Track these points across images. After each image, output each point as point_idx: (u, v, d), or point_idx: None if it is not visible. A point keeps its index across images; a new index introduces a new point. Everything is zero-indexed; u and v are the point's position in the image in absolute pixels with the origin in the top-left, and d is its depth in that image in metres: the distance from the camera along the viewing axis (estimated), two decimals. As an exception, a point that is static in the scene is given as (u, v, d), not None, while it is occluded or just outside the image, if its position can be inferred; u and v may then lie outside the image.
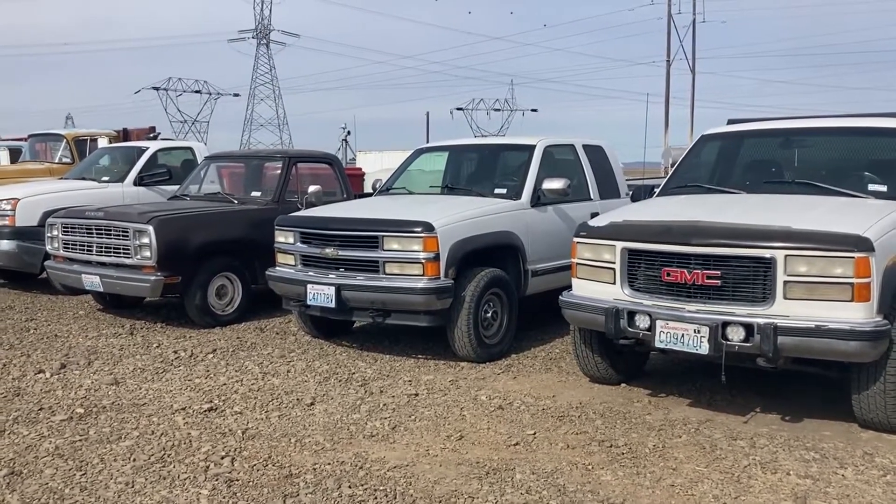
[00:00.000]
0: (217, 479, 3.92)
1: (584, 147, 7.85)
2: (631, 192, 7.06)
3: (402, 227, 6.11)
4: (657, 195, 6.12)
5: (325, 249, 6.42)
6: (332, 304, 6.26)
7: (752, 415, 4.99)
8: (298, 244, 6.66)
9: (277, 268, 6.88)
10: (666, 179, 6.40)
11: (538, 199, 6.95)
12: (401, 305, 6.14)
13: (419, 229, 6.00)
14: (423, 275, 5.99)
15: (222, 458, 4.21)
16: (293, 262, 6.72)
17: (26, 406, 5.15)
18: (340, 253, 6.32)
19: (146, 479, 3.93)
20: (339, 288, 6.21)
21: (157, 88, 66.12)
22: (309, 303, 6.43)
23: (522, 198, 6.91)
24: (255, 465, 4.12)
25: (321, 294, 6.32)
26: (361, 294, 6.17)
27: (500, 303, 6.51)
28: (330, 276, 6.37)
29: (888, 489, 3.82)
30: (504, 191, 7.07)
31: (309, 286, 6.40)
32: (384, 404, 5.18)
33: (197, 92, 68.32)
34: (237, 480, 3.91)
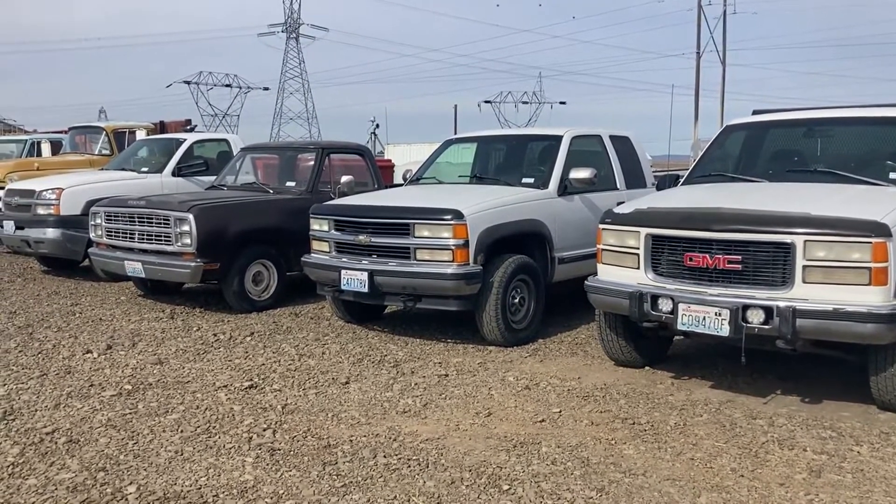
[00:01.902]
0: (260, 449, 4.17)
1: (611, 138, 8.00)
2: (656, 182, 7.21)
3: (432, 214, 6.32)
4: (682, 184, 6.27)
5: (358, 236, 6.65)
6: (365, 290, 6.49)
7: (773, 396, 5.14)
8: (333, 231, 6.90)
9: (312, 254, 7.13)
10: (690, 169, 6.54)
11: (565, 189, 7.13)
12: (431, 290, 6.35)
13: (449, 217, 6.21)
14: (452, 261, 6.19)
15: (264, 430, 4.46)
16: (327, 249, 6.97)
17: (77, 383, 5.45)
18: (373, 240, 6.55)
19: (194, 448, 4.20)
20: (371, 273, 6.44)
21: (188, 82, 67.15)
22: (343, 288, 6.68)
23: (550, 187, 7.09)
24: (295, 436, 4.36)
25: (354, 279, 6.55)
26: (393, 279, 6.40)
27: (528, 289, 6.70)
28: (363, 262, 6.60)
29: (902, 465, 3.96)
30: (532, 180, 7.25)
31: (343, 272, 6.64)
32: (415, 384, 5.41)
33: (227, 86, 69.28)
34: (279, 450, 4.16)
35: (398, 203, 6.80)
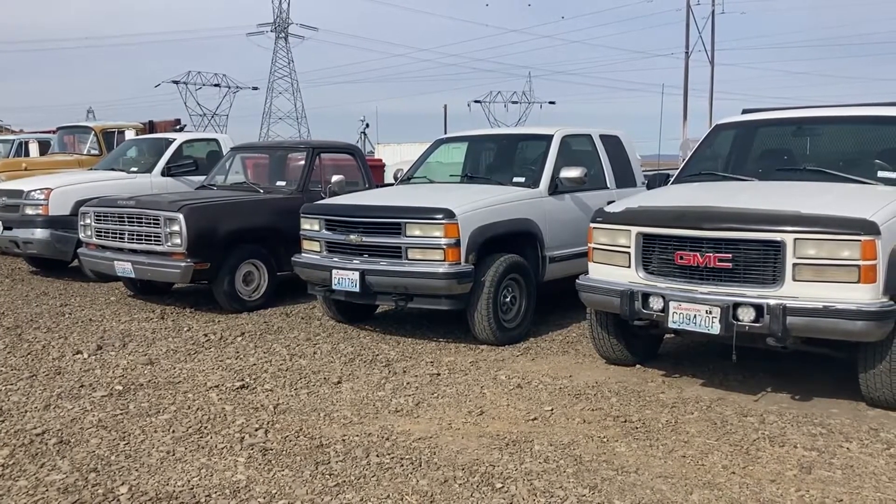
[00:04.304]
0: (252, 449, 4.16)
1: (601, 137, 8.01)
2: (647, 180, 7.24)
3: (423, 214, 6.32)
4: (672, 183, 6.30)
5: (349, 236, 6.64)
6: (357, 289, 6.48)
7: (763, 394, 5.17)
8: (324, 231, 6.89)
9: (303, 254, 7.12)
10: (681, 168, 6.57)
11: (556, 188, 7.13)
12: (423, 290, 6.34)
13: (440, 216, 6.21)
14: (444, 260, 6.19)
15: (256, 430, 4.45)
16: (318, 249, 6.95)
17: (68, 383, 5.42)
18: (364, 239, 6.54)
19: (186, 449, 4.18)
20: (363, 273, 6.43)
21: (176, 82, 67.01)
22: (334, 287, 6.66)
23: (540, 186, 7.09)
24: (287, 436, 4.35)
25: (346, 279, 6.54)
26: (385, 279, 6.39)
27: (519, 288, 6.70)
28: (354, 261, 6.59)
29: (890, 461, 3.99)
30: (522, 179, 7.25)
31: (334, 271, 6.62)
32: (408, 383, 5.41)
33: (216, 85, 69.20)
34: (271, 450, 4.15)
35: (389, 202, 6.80)
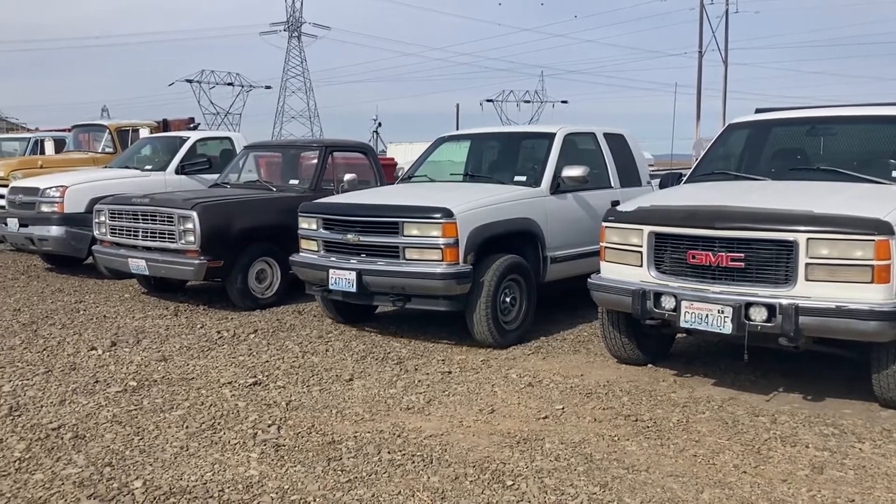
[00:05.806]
0: (265, 445, 4.20)
1: (605, 135, 7.90)
2: (660, 179, 7.21)
3: (421, 213, 6.26)
4: (684, 182, 6.29)
5: (346, 235, 6.57)
6: (353, 289, 6.41)
7: (775, 394, 5.16)
8: (321, 230, 6.84)
9: (301, 253, 7.06)
10: (693, 167, 6.56)
11: (558, 187, 7.04)
12: (420, 290, 6.26)
13: (438, 215, 6.14)
14: (442, 260, 6.10)
15: (269, 426, 4.49)
16: (316, 248, 6.90)
17: (83, 379, 5.48)
18: (362, 239, 6.47)
19: (199, 444, 4.22)
20: (360, 273, 6.36)
21: (190, 81, 67.33)
22: (331, 287, 6.59)
23: (542, 185, 7.01)
24: (299, 432, 4.39)
25: (343, 279, 6.48)
26: (382, 279, 6.32)
27: (520, 289, 6.61)
28: (351, 261, 6.52)
29: (904, 462, 3.98)
30: (524, 178, 7.16)
31: (331, 271, 6.55)
32: (419, 381, 5.43)
33: (229, 84, 69.52)
34: (284, 446, 4.19)
35: (387, 201, 6.72)
